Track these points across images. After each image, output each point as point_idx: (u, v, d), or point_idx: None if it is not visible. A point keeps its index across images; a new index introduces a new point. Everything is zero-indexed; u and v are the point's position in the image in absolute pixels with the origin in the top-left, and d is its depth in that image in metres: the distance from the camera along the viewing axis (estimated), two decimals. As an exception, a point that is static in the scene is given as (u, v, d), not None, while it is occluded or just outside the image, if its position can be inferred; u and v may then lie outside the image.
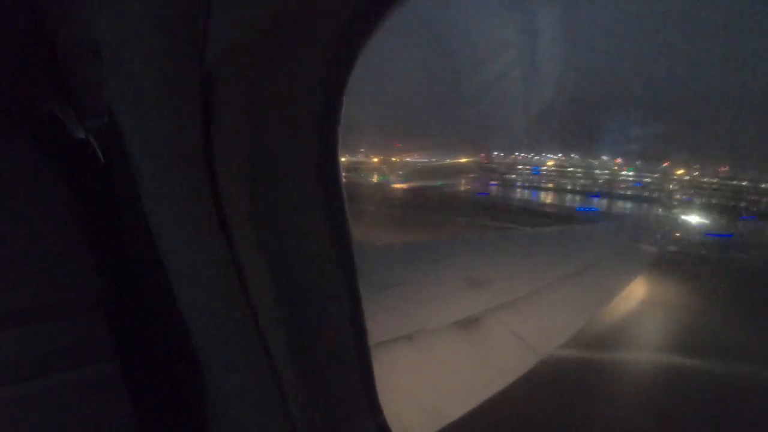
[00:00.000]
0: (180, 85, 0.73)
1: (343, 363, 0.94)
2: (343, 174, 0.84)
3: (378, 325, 3.15)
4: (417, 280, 4.14)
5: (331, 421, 0.94)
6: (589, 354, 3.41)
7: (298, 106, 0.76)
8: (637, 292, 4.65)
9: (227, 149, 0.77)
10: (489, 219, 12.09)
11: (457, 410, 2.57)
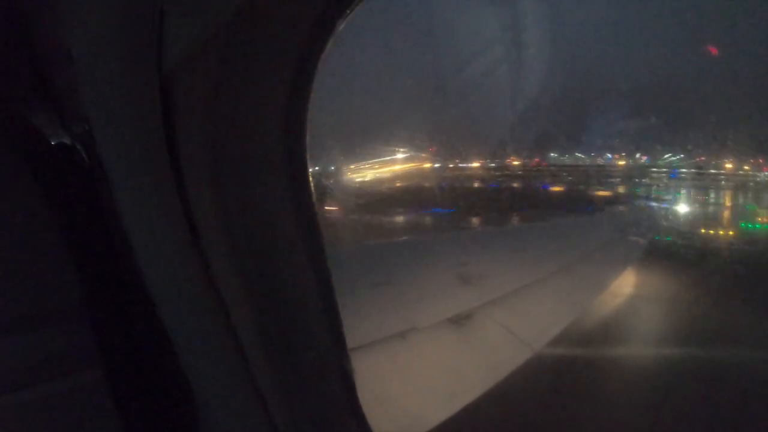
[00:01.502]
0: (141, 90, 0.72)
1: (323, 369, 0.93)
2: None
3: (371, 324, 3.15)
4: (409, 277, 4.14)
5: (313, 427, 0.93)
6: (581, 348, 3.44)
7: (262, 108, 0.75)
8: (628, 284, 4.70)
9: (191, 153, 0.76)
10: None
11: (451, 407, 2.58)
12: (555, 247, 5.06)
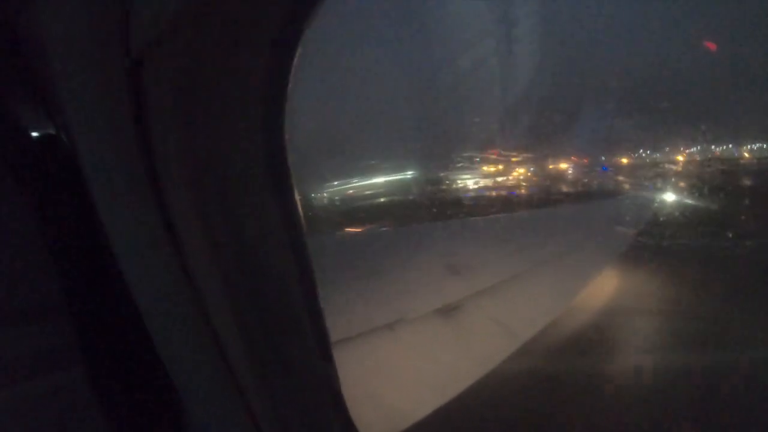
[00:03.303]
0: (110, 78, 0.69)
1: (306, 369, 0.91)
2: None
3: (359, 315, 3.15)
4: (397, 268, 4.13)
5: (299, 424, 0.91)
6: (569, 339, 3.47)
7: (238, 94, 0.72)
8: (615, 274, 4.77)
9: (164, 145, 0.73)
10: None
11: (440, 398, 2.58)
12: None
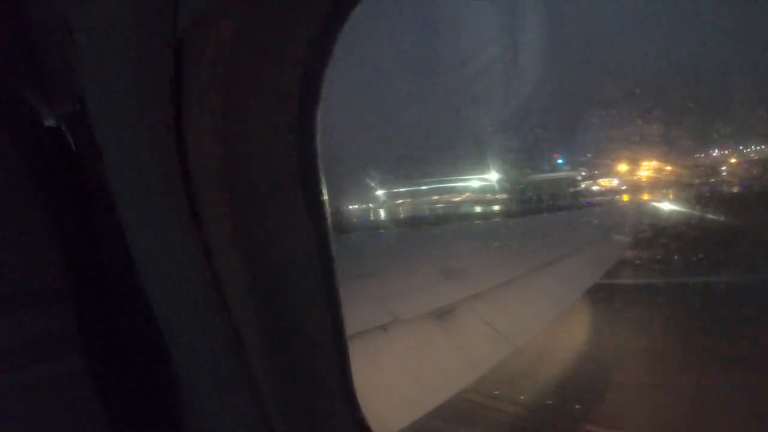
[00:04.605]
0: (151, 61, 0.67)
1: (320, 361, 0.90)
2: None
3: (353, 316, 3.15)
4: (393, 270, 4.15)
5: (309, 420, 0.91)
6: (562, 343, 3.49)
7: (275, 85, 0.71)
8: (610, 282, 4.79)
9: (198, 130, 0.72)
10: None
11: (432, 401, 2.59)
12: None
